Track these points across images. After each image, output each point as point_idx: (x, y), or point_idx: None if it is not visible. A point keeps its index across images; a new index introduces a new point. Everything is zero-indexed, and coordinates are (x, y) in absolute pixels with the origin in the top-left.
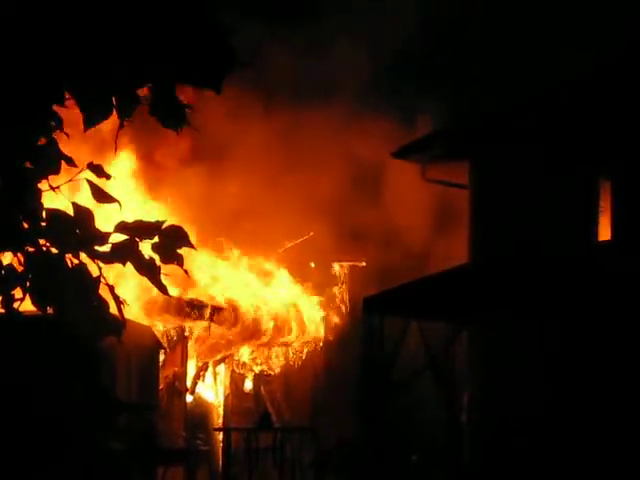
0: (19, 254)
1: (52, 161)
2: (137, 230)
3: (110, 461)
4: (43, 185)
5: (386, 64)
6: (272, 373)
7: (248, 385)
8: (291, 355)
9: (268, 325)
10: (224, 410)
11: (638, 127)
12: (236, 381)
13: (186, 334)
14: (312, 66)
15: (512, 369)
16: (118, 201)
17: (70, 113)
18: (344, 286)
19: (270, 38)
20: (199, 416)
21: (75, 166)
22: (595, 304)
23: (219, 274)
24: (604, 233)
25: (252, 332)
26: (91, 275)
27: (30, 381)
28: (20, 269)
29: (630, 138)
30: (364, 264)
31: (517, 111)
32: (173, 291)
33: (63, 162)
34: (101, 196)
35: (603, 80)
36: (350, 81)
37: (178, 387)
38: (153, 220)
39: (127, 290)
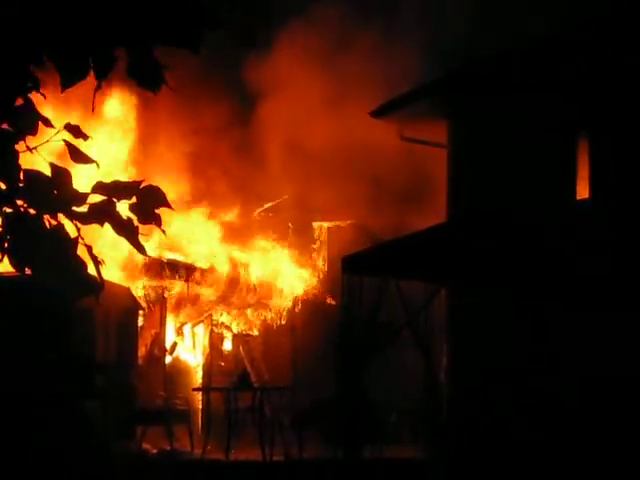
0: None
1: (29, 122)
2: (115, 190)
3: (86, 419)
4: (20, 146)
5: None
6: (252, 334)
7: (227, 345)
8: (270, 315)
9: (246, 285)
10: (203, 370)
11: (616, 84)
12: (215, 341)
13: (165, 295)
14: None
15: (489, 328)
16: (96, 162)
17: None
18: (323, 246)
19: None
20: (178, 376)
21: (52, 127)
22: (574, 261)
23: (196, 234)
24: (582, 191)
25: (230, 292)
26: (69, 236)
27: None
28: None
29: (608, 95)
30: (348, 223)
31: (495, 65)
32: (151, 252)
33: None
34: (79, 157)
35: (581, 36)
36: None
37: (157, 348)
38: (130, 180)
39: (104, 251)
